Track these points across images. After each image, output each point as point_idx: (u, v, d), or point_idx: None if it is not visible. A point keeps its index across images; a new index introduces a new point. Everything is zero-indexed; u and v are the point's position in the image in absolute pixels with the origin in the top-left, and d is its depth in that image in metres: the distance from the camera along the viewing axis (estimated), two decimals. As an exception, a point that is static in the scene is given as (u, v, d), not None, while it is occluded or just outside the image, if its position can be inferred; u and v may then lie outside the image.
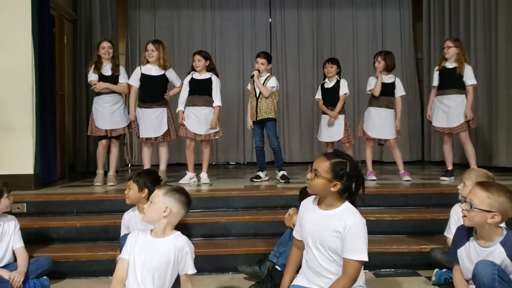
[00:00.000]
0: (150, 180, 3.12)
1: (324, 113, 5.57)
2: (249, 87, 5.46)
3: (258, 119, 5.24)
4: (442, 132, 5.25)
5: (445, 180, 5.12)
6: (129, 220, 3.24)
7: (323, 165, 2.34)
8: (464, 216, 2.41)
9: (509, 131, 6.03)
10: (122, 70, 5.34)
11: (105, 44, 5.20)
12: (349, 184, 2.35)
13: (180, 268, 2.40)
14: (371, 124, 5.38)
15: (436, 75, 5.25)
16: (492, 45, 6.29)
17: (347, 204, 2.39)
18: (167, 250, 2.37)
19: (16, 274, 3.02)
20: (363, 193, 2.42)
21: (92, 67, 5.20)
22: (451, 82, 5.09)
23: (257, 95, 5.24)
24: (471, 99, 5.08)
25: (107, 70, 5.19)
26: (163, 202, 2.39)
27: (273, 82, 5.24)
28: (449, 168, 5.25)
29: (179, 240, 2.42)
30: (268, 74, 5.36)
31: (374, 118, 5.35)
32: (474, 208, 2.36)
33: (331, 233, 2.35)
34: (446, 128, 5.16)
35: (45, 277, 3.17)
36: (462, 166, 6.40)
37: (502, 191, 2.38)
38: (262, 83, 5.21)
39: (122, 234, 3.21)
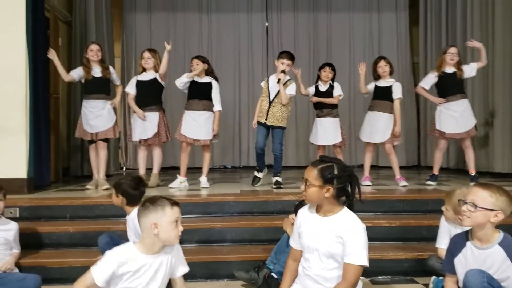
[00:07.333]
0: (126, 184, 3.07)
1: (318, 116, 5.54)
2: (262, 84, 5.26)
3: (267, 123, 5.06)
4: (453, 138, 5.28)
5: (432, 184, 5.18)
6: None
7: (312, 174, 2.39)
8: (467, 217, 2.37)
9: (505, 136, 6.02)
10: (114, 74, 5.37)
11: (94, 47, 5.19)
12: (342, 187, 2.38)
13: (176, 271, 2.38)
14: (363, 129, 5.44)
15: (431, 80, 5.26)
16: (489, 50, 6.25)
17: (345, 210, 2.43)
18: (166, 262, 2.33)
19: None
20: (360, 195, 2.42)
21: (80, 68, 5.21)
22: (454, 87, 5.16)
23: (271, 98, 5.04)
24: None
25: (96, 72, 5.18)
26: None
27: (292, 90, 5.05)
28: (436, 173, 5.29)
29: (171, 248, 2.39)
30: (289, 77, 5.12)
31: (366, 122, 5.40)
32: (479, 207, 2.34)
33: (332, 239, 2.36)
34: (457, 134, 5.16)
35: None
36: (458, 171, 6.41)
37: (501, 190, 2.40)
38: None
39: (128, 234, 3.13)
